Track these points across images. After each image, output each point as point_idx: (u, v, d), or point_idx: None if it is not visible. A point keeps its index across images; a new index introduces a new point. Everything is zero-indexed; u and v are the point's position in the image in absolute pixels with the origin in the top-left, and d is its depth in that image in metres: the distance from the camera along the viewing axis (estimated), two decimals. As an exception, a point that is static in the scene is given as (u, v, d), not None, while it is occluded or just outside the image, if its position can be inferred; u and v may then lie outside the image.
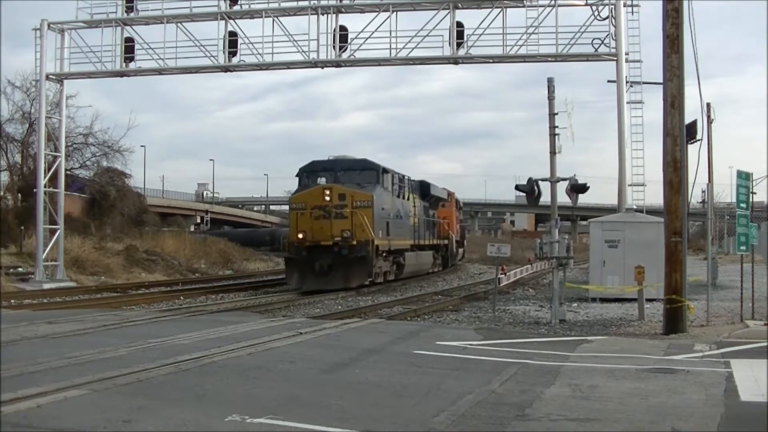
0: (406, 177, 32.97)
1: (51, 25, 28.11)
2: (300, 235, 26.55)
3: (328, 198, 26.62)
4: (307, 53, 25.85)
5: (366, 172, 28.68)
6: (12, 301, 21.82)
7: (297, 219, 26.99)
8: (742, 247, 17.25)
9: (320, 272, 25.94)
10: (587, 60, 25.47)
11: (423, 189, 36.69)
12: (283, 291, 27.44)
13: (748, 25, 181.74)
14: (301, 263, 26.43)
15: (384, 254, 28.12)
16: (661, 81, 15.24)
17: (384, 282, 28.73)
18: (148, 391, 8.33)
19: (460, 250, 49.05)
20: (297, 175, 29.28)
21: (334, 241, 26.15)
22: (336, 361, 10.78)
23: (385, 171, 29.34)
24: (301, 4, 26.13)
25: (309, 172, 29.02)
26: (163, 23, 26.78)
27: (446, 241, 41.11)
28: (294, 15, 26.35)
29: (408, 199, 32.47)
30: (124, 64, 27.35)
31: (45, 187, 28.82)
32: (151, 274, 35.69)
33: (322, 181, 28.40)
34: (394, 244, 29.32)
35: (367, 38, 25.77)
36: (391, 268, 29.68)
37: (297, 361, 10.70)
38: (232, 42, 26.45)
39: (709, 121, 25.38)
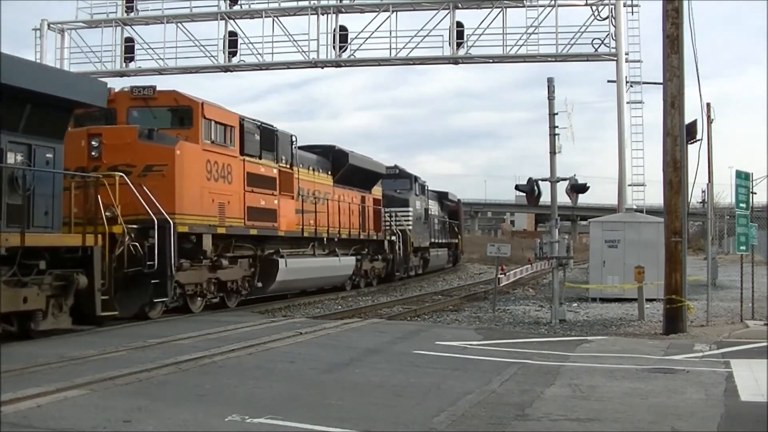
0: None
1: (51, 25, 28.13)
2: None
3: None
4: (307, 53, 25.88)
5: None
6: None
7: None
8: (742, 247, 17.27)
9: None
10: (587, 60, 25.52)
11: None
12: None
13: (748, 25, 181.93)
14: None
15: None
16: (661, 81, 15.25)
17: None
18: (148, 391, 8.32)
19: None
20: None
21: None
22: (336, 361, 10.77)
23: None
24: (301, 4, 26.16)
25: None
26: (163, 23, 26.82)
27: None
28: (294, 15, 26.38)
29: None
30: (124, 64, 27.39)
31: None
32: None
33: None
34: None
35: (367, 38, 25.83)
36: None
37: (297, 361, 10.69)
38: (232, 42, 26.50)
39: (709, 121, 25.43)
